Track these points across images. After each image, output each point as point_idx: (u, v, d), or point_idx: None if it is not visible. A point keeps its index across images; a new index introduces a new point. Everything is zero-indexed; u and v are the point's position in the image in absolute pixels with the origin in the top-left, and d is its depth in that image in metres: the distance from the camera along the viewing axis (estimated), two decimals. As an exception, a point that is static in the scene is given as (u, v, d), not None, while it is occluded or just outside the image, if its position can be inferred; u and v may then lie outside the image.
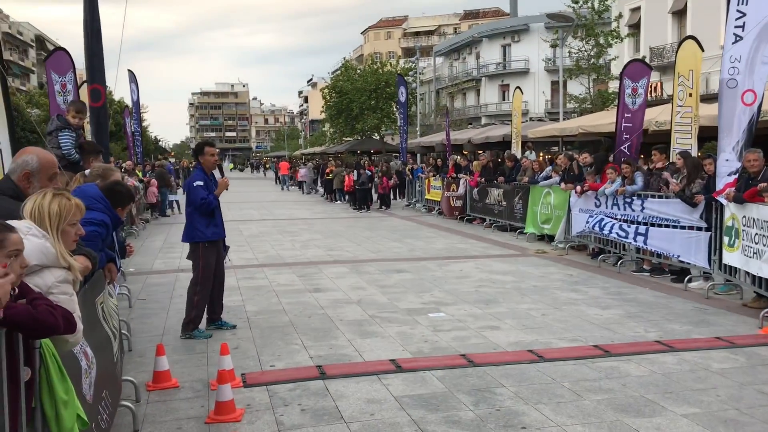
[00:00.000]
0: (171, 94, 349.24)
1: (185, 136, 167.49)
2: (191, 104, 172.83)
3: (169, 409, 5.19)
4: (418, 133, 47.42)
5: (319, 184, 35.78)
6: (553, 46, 30.52)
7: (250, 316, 8.15)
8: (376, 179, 25.50)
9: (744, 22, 8.19)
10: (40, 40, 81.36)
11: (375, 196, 25.97)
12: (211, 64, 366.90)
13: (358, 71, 50.39)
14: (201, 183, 7.20)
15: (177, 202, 23.00)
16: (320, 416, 4.97)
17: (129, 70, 23.16)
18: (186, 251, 7.54)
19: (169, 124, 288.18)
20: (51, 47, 62.98)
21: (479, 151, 31.86)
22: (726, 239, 8.77)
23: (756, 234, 7.94)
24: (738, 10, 8.28)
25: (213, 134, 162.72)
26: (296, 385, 5.64)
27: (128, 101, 27.60)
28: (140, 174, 21.78)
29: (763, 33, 8.04)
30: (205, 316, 7.42)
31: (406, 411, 5.04)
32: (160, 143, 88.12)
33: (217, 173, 7.54)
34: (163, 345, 5.82)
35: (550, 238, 14.00)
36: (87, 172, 6.14)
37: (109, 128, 38.26)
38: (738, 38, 8.32)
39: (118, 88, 47.71)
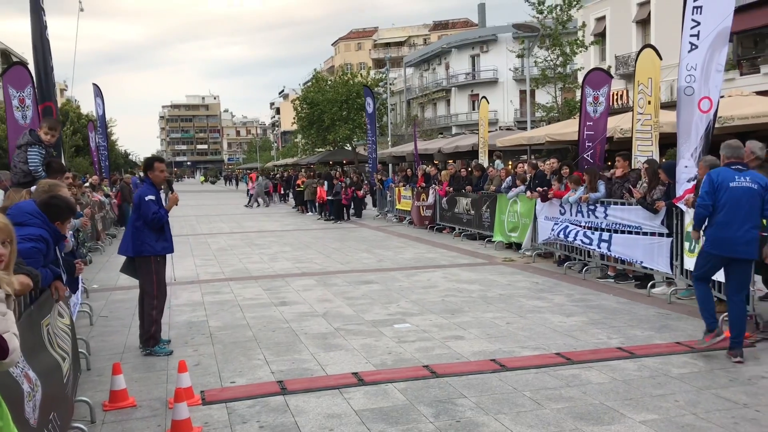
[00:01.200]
0: (142, 107, 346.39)
1: (156, 150, 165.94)
2: (162, 117, 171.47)
3: (124, 430, 5.08)
4: (390, 143, 47.53)
5: (290, 197, 35.69)
6: (520, 56, 30.84)
7: (213, 331, 8.04)
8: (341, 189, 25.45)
9: (699, 31, 8.33)
10: (6, 54, 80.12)
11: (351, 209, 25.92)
12: (182, 76, 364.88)
13: (329, 82, 50.39)
14: (153, 197, 7.18)
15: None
16: (279, 433, 4.90)
17: (94, 84, 22.87)
18: (119, 265, 7.46)
19: (139, 137, 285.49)
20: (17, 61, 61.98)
21: (449, 161, 32.04)
22: (687, 244, 8.87)
23: (715, 239, 8.02)
24: (693, 20, 8.42)
25: (184, 147, 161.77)
26: (256, 401, 5.57)
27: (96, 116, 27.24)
28: (106, 189, 21.49)
29: (716, 41, 8.19)
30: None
31: (366, 425, 5.00)
32: (130, 157, 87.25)
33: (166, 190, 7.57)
34: (119, 363, 5.71)
35: (518, 246, 14.08)
36: (33, 188, 6.04)
37: (77, 143, 37.56)
38: (693, 47, 8.46)
39: (86, 102, 47.20)
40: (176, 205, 7.50)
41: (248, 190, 38.42)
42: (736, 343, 6.41)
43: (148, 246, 7.13)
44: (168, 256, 7.47)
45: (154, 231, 7.15)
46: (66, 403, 4.23)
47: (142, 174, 8.14)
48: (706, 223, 6.60)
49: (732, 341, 6.42)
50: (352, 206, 25.26)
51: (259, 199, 36.15)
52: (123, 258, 7.40)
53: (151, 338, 7.16)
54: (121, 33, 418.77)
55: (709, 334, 6.54)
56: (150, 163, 7.45)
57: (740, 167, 6.54)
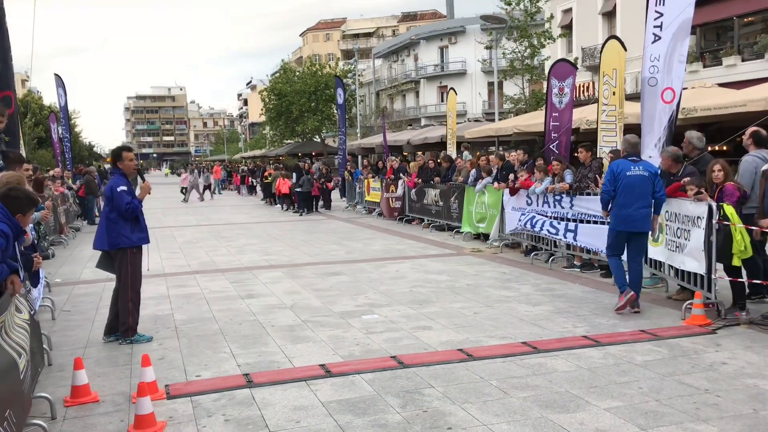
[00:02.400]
0: (107, 98, 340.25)
1: (122, 141, 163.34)
2: (127, 108, 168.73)
3: (86, 425, 4.98)
4: (359, 134, 47.43)
5: (259, 190, 35.31)
6: (488, 47, 30.95)
7: (178, 325, 7.93)
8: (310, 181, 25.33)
9: (662, 22, 8.43)
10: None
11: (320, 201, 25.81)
12: (148, 67, 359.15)
13: (297, 73, 50.07)
14: (125, 188, 7.07)
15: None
16: (244, 426, 4.85)
17: (56, 74, 22.39)
18: (95, 260, 7.35)
19: (104, 129, 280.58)
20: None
21: (418, 152, 32.06)
22: (650, 234, 8.98)
23: (678, 228, 8.17)
24: (656, 11, 8.51)
25: (150, 139, 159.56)
26: (221, 394, 5.50)
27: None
28: (69, 181, 21.09)
29: (678, 32, 8.29)
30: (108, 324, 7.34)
31: (333, 417, 4.97)
32: (95, 149, 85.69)
33: (138, 179, 7.47)
34: (81, 358, 5.60)
35: (486, 237, 14.15)
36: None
37: (39, 134, 36.80)
38: (657, 38, 8.55)
39: (49, 93, 46.29)
40: (149, 194, 7.40)
41: (180, 186, 37.09)
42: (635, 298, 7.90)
43: (124, 238, 7.04)
44: (144, 246, 7.39)
45: (129, 222, 7.06)
46: (23, 400, 4.13)
47: (107, 166, 8.02)
48: (611, 205, 7.98)
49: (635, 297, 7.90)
50: (321, 198, 25.15)
51: (194, 192, 34.46)
52: (88, 252, 7.29)
53: (129, 329, 7.14)
54: (87, 22, 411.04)
55: (621, 295, 7.93)
56: (118, 152, 7.33)
57: (635, 159, 7.95)
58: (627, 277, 8.02)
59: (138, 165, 7.55)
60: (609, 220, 8.26)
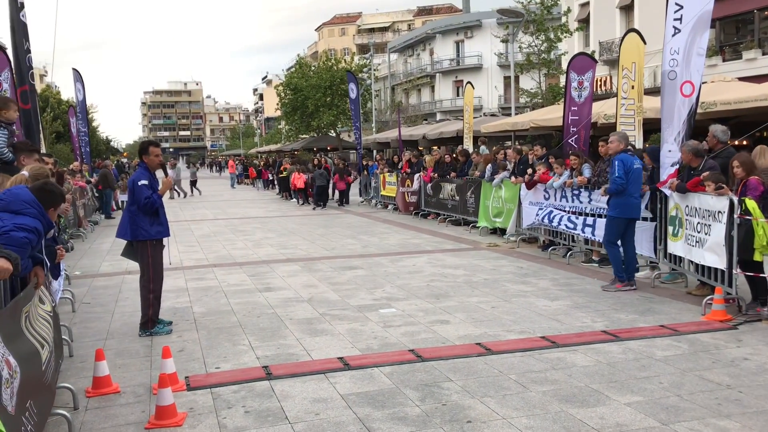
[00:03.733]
0: (124, 93, 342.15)
1: (138, 136, 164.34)
2: (143, 103, 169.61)
3: (108, 416, 5.03)
4: (374, 129, 47.42)
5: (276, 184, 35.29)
6: (505, 41, 30.81)
7: (197, 317, 7.99)
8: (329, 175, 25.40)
9: (681, 15, 8.33)
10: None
11: (335, 193, 25.85)
12: (164, 62, 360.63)
13: (313, 68, 50.06)
14: (146, 182, 7.18)
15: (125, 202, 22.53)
16: (264, 417, 4.88)
17: (74, 69, 22.53)
18: (113, 254, 7.46)
19: (121, 123, 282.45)
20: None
21: (434, 147, 32.02)
22: (670, 229, 8.93)
23: (698, 223, 8.09)
24: (676, 3, 8.41)
25: (166, 133, 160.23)
26: (241, 386, 5.53)
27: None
28: (87, 175, 21.26)
29: (698, 25, 8.20)
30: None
31: (352, 409, 4.99)
32: (112, 143, 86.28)
33: (160, 173, 7.58)
34: (102, 350, 5.65)
35: (502, 232, 14.10)
36: (25, 173, 5.92)
37: (58, 129, 36.93)
38: (677, 31, 8.46)
39: (67, 88, 46.66)
40: (169, 189, 7.53)
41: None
42: (630, 278, 8.89)
43: (143, 231, 7.16)
44: (165, 240, 7.50)
45: (149, 215, 7.16)
46: (45, 390, 4.17)
47: (124, 160, 8.09)
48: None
49: (629, 279, 8.88)
50: (344, 193, 25.21)
51: (176, 188, 31.99)
52: (106, 245, 7.38)
53: (149, 321, 7.23)
54: (105, 18, 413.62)
55: (620, 283, 8.79)
56: (145, 147, 7.44)
57: (632, 152, 9.04)
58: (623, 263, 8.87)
59: (163, 160, 7.69)
60: (611, 213, 8.95)
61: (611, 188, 8.84)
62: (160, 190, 7.34)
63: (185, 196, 32.82)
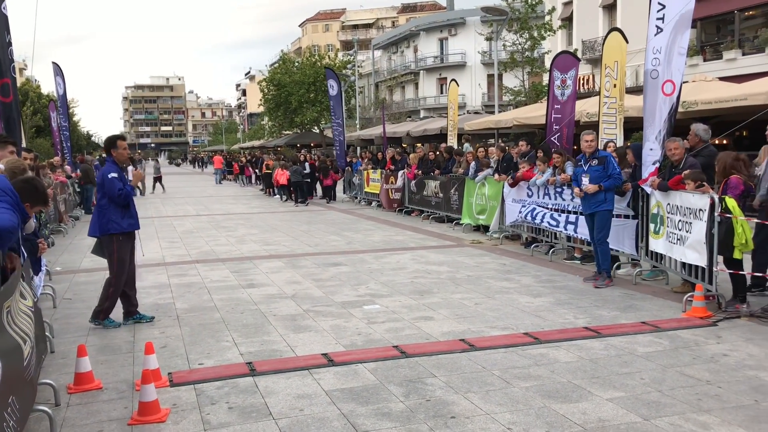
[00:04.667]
0: (105, 87, 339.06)
1: (119, 131, 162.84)
2: (125, 98, 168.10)
3: (90, 412, 5.00)
4: (358, 126, 47.36)
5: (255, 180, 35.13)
6: (488, 39, 30.90)
7: (180, 313, 7.95)
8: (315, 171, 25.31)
9: (664, 14, 8.40)
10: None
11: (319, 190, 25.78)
12: (146, 57, 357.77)
13: (296, 64, 49.91)
14: (116, 175, 7.24)
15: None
16: (248, 413, 4.87)
17: (54, 63, 22.26)
18: (83, 247, 7.48)
19: (102, 118, 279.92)
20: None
21: (418, 144, 32.05)
22: (652, 226, 9.01)
23: (679, 221, 8.18)
24: (659, 2, 8.48)
25: (148, 128, 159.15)
26: (225, 382, 5.52)
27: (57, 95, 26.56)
28: (68, 170, 21.04)
29: (679, 24, 8.27)
30: (122, 310, 7.53)
31: (336, 405, 4.99)
32: (93, 138, 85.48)
33: (130, 167, 7.66)
34: (85, 346, 5.61)
35: (486, 229, 14.16)
36: (1, 165, 5.87)
37: (38, 123, 36.44)
38: (659, 30, 8.53)
39: (47, 82, 46.15)
40: (140, 180, 7.52)
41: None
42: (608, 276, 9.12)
43: (114, 223, 7.20)
44: (137, 234, 7.56)
45: (120, 208, 7.21)
46: (26, 386, 4.13)
47: (104, 154, 8.06)
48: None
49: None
50: (330, 189, 25.16)
51: (139, 185, 29.88)
52: (87, 241, 7.37)
53: (101, 312, 7.32)
54: (86, 12, 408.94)
55: (608, 279, 9.01)
56: (112, 141, 7.48)
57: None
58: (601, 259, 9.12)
59: (131, 153, 7.71)
60: (608, 208, 9.02)
61: (613, 184, 8.96)
62: (131, 182, 7.48)
63: (143, 194, 30.88)
